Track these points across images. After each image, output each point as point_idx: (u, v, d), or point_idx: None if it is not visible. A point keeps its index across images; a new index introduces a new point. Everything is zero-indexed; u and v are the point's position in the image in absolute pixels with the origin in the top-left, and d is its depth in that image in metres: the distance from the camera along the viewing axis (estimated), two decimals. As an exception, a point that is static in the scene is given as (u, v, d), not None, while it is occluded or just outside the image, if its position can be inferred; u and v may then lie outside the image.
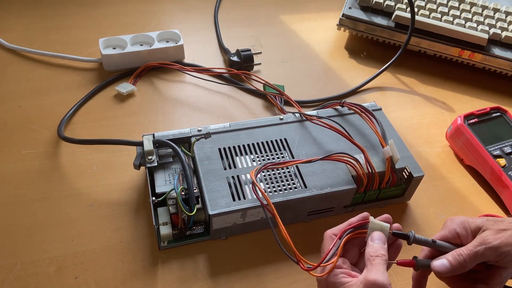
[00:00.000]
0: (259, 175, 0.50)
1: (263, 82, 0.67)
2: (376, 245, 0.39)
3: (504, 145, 0.59)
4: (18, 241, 0.48)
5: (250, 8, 0.88)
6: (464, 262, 0.38)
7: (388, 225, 0.40)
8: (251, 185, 0.45)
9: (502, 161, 0.57)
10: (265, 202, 0.44)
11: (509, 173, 0.56)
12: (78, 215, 0.51)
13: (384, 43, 0.80)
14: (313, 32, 0.84)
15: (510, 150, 0.58)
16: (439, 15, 0.77)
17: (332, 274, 0.38)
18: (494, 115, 0.63)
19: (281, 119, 0.58)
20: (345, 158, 0.50)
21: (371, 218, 0.41)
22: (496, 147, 0.59)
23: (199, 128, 0.54)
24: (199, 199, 0.48)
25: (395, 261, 0.41)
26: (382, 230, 0.40)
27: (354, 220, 0.41)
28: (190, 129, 0.54)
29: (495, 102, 0.73)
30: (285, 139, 0.55)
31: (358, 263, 0.42)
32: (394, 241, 0.42)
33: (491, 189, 0.59)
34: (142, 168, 0.54)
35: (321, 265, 0.39)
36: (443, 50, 0.77)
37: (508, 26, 0.77)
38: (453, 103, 0.72)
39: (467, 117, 0.62)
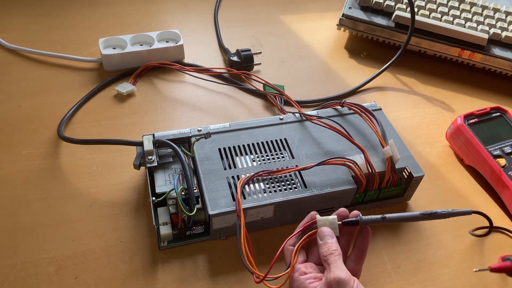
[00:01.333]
0: (258, 176, 0.50)
1: (263, 82, 0.67)
2: (327, 241, 0.39)
3: (504, 145, 0.59)
4: (18, 241, 0.48)
5: (250, 8, 0.88)
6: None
7: (335, 216, 0.41)
8: (236, 194, 0.46)
9: (502, 161, 0.57)
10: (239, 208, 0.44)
11: (509, 173, 0.56)
12: (78, 215, 0.51)
13: (384, 43, 0.80)
14: (313, 32, 0.84)
15: (510, 150, 0.58)
16: (439, 15, 0.77)
17: (298, 281, 0.38)
18: (494, 115, 0.63)
19: (281, 119, 0.58)
20: (340, 162, 0.50)
21: (317, 216, 0.41)
22: (496, 147, 0.59)
23: (199, 128, 0.54)
24: (199, 199, 0.48)
25: (487, 268, 0.40)
26: (331, 224, 0.40)
27: (303, 222, 0.42)
28: (190, 129, 0.54)
29: (495, 102, 0.73)
30: (285, 139, 0.55)
31: None
32: (359, 229, 0.42)
33: (491, 189, 0.59)
34: (142, 168, 0.54)
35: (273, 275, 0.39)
36: (443, 50, 0.77)
37: (508, 26, 0.77)
38: (453, 103, 0.72)
39: (467, 117, 0.62)
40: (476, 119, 0.62)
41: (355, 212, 0.42)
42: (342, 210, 0.42)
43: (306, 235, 0.41)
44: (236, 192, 0.48)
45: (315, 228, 0.41)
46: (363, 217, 0.41)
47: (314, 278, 0.38)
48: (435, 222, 0.55)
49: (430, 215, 0.41)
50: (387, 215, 0.41)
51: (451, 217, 0.41)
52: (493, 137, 0.60)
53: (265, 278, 0.40)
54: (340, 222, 0.41)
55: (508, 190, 0.56)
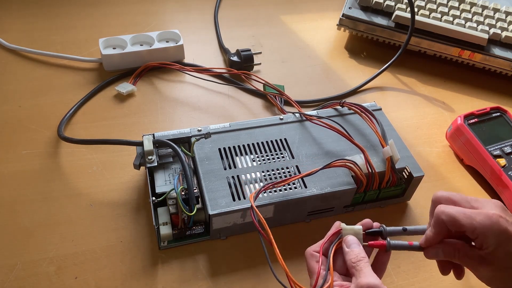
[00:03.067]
0: (259, 175, 0.50)
1: (263, 82, 0.67)
2: (354, 249, 0.39)
3: (504, 145, 0.59)
4: (18, 241, 0.48)
5: (250, 8, 0.88)
6: (430, 234, 0.39)
7: (360, 226, 0.41)
8: (249, 210, 0.43)
9: (502, 161, 0.57)
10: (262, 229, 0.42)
11: (509, 173, 0.56)
12: (78, 215, 0.51)
13: (384, 43, 0.80)
14: (313, 32, 0.84)
15: (510, 150, 0.58)
16: (439, 15, 0.77)
17: None
18: (494, 115, 0.63)
19: (281, 119, 0.58)
20: (342, 163, 0.50)
21: (342, 225, 0.41)
22: (496, 147, 0.59)
23: (199, 128, 0.54)
24: (199, 199, 0.48)
25: (366, 243, 0.40)
26: (356, 234, 0.40)
27: (330, 232, 0.41)
28: (190, 129, 0.54)
29: (495, 102, 0.73)
30: (285, 139, 0.55)
31: (348, 272, 0.40)
32: (382, 249, 0.41)
33: (491, 189, 0.59)
34: (142, 168, 0.54)
35: None
36: (443, 50, 0.77)
37: (508, 26, 0.77)
38: (453, 103, 0.72)
39: (467, 117, 0.62)
40: (476, 119, 0.62)
41: (377, 223, 0.42)
42: (367, 220, 0.42)
43: (337, 242, 0.41)
44: (236, 192, 0.48)
45: (340, 237, 0.41)
46: (387, 228, 0.41)
47: (341, 286, 0.38)
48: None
49: None
50: (408, 228, 0.41)
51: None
52: (493, 137, 0.60)
53: None
54: (364, 232, 0.41)
55: (508, 190, 0.56)
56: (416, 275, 0.49)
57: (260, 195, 0.48)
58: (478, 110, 0.62)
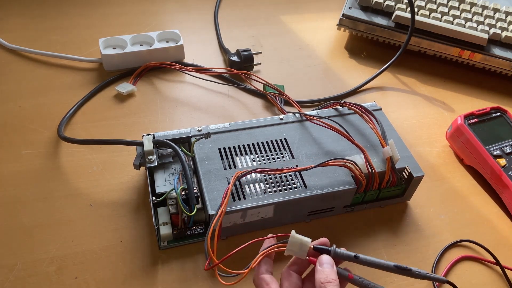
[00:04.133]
0: (259, 175, 0.50)
1: (263, 82, 0.67)
2: (326, 270, 0.36)
3: (504, 145, 0.59)
4: (18, 241, 0.48)
5: (250, 8, 0.88)
6: None
7: (309, 239, 0.38)
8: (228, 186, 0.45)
9: (502, 161, 0.57)
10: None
11: (509, 173, 0.56)
12: (78, 215, 0.51)
13: (384, 43, 0.80)
14: (313, 32, 0.84)
15: (510, 150, 0.58)
16: (439, 15, 0.77)
17: None
18: (494, 115, 0.63)
19: (281, 119, 0.58)
20: (340, 163, 0.50)
21: (293, 232, 0.39)
22: (496, 147, 0.59)
23: (199, 128, 0.54)
24: (199, 199, 0.48)
25: (307, 257, 0.39)
26: (302, 245, 0.38)
27: (264, 247, 0.40)
28: (190, 129, 0.54)
29: (495, 102, 0.73)
30: (285, 139, 0.55)
31: None
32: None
33: (491, 189, 0.59)
34: (142, 168, 0.54)
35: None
36: (443, 50, 0.77)
37: (508, 26, 0.77)
38: (453, 103, 0.72)
39: (467, 117, 0.62)
40: (476, 119, 0.62)
41: (325, 240, 0.40)
42: (325, 240, 0.40)
43: (271, 247, 0.40)
44: (236, 192, 0.48)
45: (285, 242, 0.39)
46: (337, 249, 0.39)
47: None
48: (434, 221, 0.55)
49: (404, 270, 0.38)
50: (361, 256, 0.39)
51: (424, 279, 0.39)
52: (493, 137, 0.60)
53: (221, 273, 0.39)
54: (312, 247, 0.39)
55: (508, 190, 0.56)
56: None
57: (260, 195, 0.48)
58: (478, 110, 0.62)
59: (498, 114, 0.63)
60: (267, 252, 0.40)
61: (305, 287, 0.39)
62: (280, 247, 0.39)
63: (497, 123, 0.62)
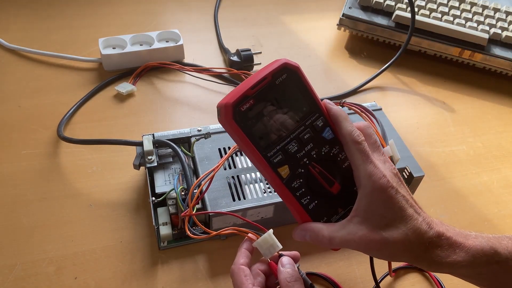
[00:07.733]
0: (259, 175, 0.50)
1: (263, 82, 0.67)
2: (289, 270, 0.38)
3: None
4: (18, 241, 0.48)
5: (250, 8, 0.88)
6: None
7: (281, 246, 0.39)
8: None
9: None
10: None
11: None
12: (78, 215, 0.51)
13: (384, 43, 0.80)
14: (313, 32, 0.84)
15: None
16: (439, 15, 0.77)
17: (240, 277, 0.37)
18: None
19: (281, 119, 0.57)
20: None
21: (270, 231, 0.39)
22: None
23: (199, 128, 0.54)
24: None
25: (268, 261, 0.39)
26: (272, 247, 0.39)
27: (242, 248, 0.40)
28: (190, 129, 0.54)
29: (495, 102, 0.73)
30: (285, 139, 0.55)
31: None
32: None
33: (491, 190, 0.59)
34: (142, 168, 0.54)
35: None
36: (443, 50, 0.77)
37: (508, 26, 0.77)
38: (453, 103, 0.72)
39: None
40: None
41: (296, 253, 0.41)
42: (297, 255, 0.41)
43: (245, 230, 0.40)
44: (236, 192, 0.48)
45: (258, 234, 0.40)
46: (303, 272, 0.39)
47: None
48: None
49: None
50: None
51: None
52: None
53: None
54: (280, 253, 0.39)
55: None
56: (416, 275, 0.49)
57: (260, 195, 0.48)
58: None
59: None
60: (238, 230, 0.40)
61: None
62: (254, 235, 0.40)
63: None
